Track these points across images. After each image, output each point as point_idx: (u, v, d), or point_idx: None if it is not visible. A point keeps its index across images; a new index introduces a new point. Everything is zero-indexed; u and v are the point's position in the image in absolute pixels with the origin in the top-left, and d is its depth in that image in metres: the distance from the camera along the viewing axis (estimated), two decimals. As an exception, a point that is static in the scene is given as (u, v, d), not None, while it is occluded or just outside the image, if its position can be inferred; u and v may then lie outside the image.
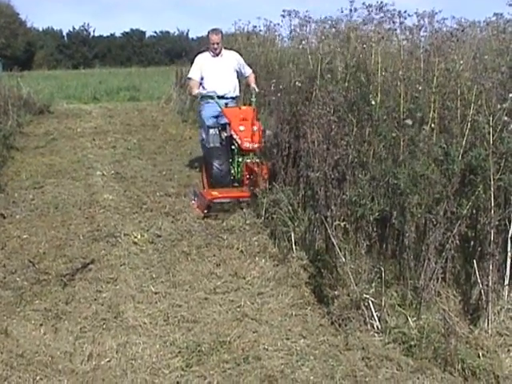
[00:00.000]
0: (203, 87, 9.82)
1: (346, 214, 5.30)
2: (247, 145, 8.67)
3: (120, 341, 4.80)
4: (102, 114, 18.23)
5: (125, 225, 7.58)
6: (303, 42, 12.11)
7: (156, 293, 5.68)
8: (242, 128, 8.84)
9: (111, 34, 57.21)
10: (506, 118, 4.64)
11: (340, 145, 5.37)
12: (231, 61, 10.06)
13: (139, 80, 27.49)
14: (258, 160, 8.41)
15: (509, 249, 4.79)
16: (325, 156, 5.42)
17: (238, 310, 5.32)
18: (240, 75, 10.17)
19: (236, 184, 8.86)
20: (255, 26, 13.71)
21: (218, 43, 9.87)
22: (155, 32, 58.60)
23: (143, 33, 58.05)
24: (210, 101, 9.61)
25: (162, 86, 23.57)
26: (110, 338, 4.85)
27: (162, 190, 9.30)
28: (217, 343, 4.72)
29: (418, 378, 4.27)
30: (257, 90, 9.72)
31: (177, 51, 53.08)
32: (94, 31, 55.36)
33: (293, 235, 6.25)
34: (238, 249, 6.67)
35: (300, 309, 5.28)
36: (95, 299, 5.57)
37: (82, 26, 54.87)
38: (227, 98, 9.81)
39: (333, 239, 5.10)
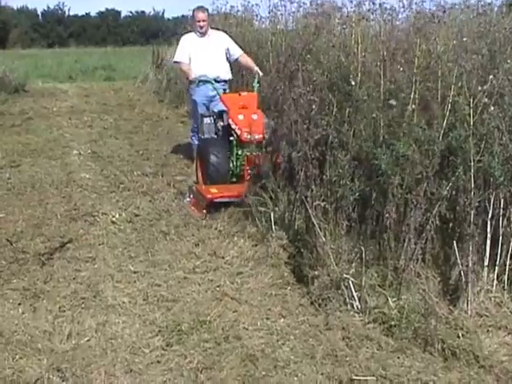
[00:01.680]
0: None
1: (326, 194, 5.29)
2: (247, 136, 7.70)
3: (99, 320, 4.77)
4: (78, 94, 18.09)
5: (102, 204, 7.53)
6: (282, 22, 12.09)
7: (135, 272, 5.66)
8: (240, 117, 7.95)
9: (86, 14, 57.03)
10: (486, 100, 4.65)
11: (320, 125, 5.36)
12: (220, 41, 9.44)
13: (115, 60, 27.29)
14: (259, 152, 7.42)
15: (488, 230, 4.82)
16: (305, 136, 5.39)
17: (218, 289, 5.30)
18: (229, 57, 9.44)
19: (234, 179, 7.97)
20: (233, 6, 13.58)
21: (204, 20, 9.29)
22: (130, 12, 58.60)
23: (118, 12, 57.96)
24: (203, 85, 8.99)
25: (137, 65, 23.34)
26: (89, 317, 4.83)
27: (139, 169, 9.24)
28: (197, 322, 4.70)
29: (399, 358, 4.29)
30: (260, 73, 8.99)
31: (152, 31, 52.95)
32: (69, 10, 55.03)
33: (272, 215, 6.23)
34: (216, 228, 6.63)
35: (279, 288, 5.28)
36: (74, 278, 5.53)
37: (57, 5, 54.63)
38: (219, 82, 9.11)
39: (313, 219, 5.10)
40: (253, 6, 13.77)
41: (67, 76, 22.53)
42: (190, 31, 9.71)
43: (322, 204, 5.14)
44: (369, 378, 4.08)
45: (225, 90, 9.11)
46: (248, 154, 7.63)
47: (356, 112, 5.48)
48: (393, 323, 4.57)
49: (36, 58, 28.77)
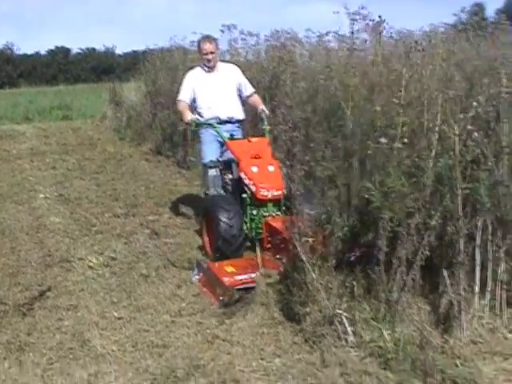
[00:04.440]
0: (199, 113, 7.86)
1: (315, 230, 5.25)
2: (264, 193, 6.64)
3: (90, 371, 4.65)
4: (37, 135, 17.90)
5: (77, 248, 7.41)
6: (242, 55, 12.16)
7: (120, 318, 5.55)
8: (254, 169, 6.81)
9: (36, 52, 56.55)
10: (469, 127, 4.67)
11: (304, 161, 5.33)
12: (230, 76, 8.07)
13: (70, 98, 27.08)
14: (279, 213, 6.58)
15: (477, 257, 4.83)
16: (289, 173, 5.36)
17: (208, 331, 5.21)
18: (240, 94, 8.08)
19: (249, 243, 6.81)
20: (193, 41, 13.56)
21: (212, 52, 7.85)
22: (81, 49, 58.24)
23: (68, 50, 57.66)
24: (210, 129, 7.66)
25: (94, 103, 23.28)
26: (79, 368, 4.70)
27: (109, 210, 9.14)
28: (191, 367, 4.60)
29: (400, 392, 4.26)
30: (267, 112, 7.64)
31: (103, 68, 52.99)
32: (18, 50, 54.64)
33: (258, 252, 6.17)
34: (198, 268, 6.56)
35: (271, 327, 5.19)
36: (58, 328, 5.39)
37: (5, 45, 54.13)
38: (233, 123, 7.88)
39: (302, 255, 5.05)
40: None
41: (23, 117, 22.27)
42: (196, 66, 8.26)
43: (310, 240, 5.09)
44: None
45: (233, 135, 7.64)
46: (266, 214, 6.66)
47: (347, 148, 5.48)
48: (390, 356, 4.52)
49: (-13, 100, 28.50)
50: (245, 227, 6.74)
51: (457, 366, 4.38)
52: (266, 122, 7.43)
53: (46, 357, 4.89)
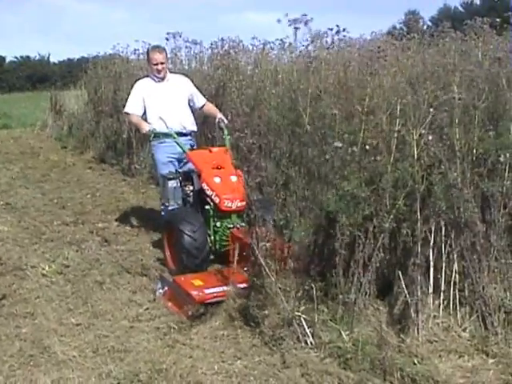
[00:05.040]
0: (148, 123, 7.61)
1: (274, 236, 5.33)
2: (228, 204, 6.51)
3: (54, 377, 4.65)
4: (-24, 144, 17.60)
5: (28, 257, 7.35)
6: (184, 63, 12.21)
7: (78, 324, 5.54)
8: (217, 180, 6.67)
9: (-31, 61, 55.61)
10: (422, 131, 4.81)
11: (261, 168, 5.42)
12: (181, 86, 7.95)
13: (7, 106, 26.69)
14: (243, 224, 6.22)
15: (431, 258, 4.99)
16: (246, 178, 5.44)
17: (167, 336, 5.26)
18: (192, 105, 7.98)
19: (212, 256, 6.70)
20: (136, 49, 13.54)
21: (162, 63, 7.69)
22: (15, 57, 57.37)
23: (3, 58, 56.71)
24: (166, 140, 7.45)
25: (32, 112, 22.98)
26: (41, 374, 4.69)
27: (57, 219, 9.11)
28: (153, 371, 4.64)
29: (361, 391, 4.37)
30: (226, 121, 7.58)
31: (39, 76, 52.34)
32: (-51, 58, 53.74)
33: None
34: (153, 274, 6.61)
35: (230, 331, 5.26)
36: (16, 335, 5.36)
37: None
38: (185, 135, 7.66)
39: (260, 260, 5.14)
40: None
41: (-40, 126, 21.88)
42: (145, 76, 8.14)
43: (268, 245, 5.17)
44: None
45: (192, 145, 7.68)
46: (230, 226, 6.55)
47: (304, 154, 5.58)
48: (349, 356, 4.65)
49: None
50: (208, 240, 6.60)
51: (414, 364, 4.53)
52: (226, 132, 7.34)
53: (7, 364, 4.86)
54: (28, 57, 57.98)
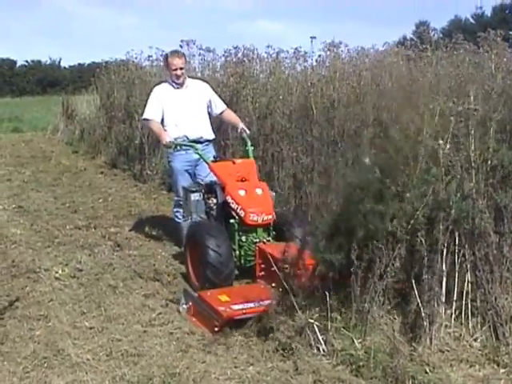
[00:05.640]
0: (165, 131, 7.51)
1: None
2: (254, 218, 6.31)
3: (68, 379, 4.68)
4: (-12, 147, 17.71)
5: (41, 260, 7.40)
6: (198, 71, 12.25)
7: (91, 328, 5.58)
8: (242, 193, 6.45)
9: (-20, 64, 55.95)
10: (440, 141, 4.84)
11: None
12: (201, 93, 7.80)
13: (19, 110, 26.84)
14: (269, 239, 6.35)
15: (444, 267, 5.01)
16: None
17: (181, 341, 5.29)
18: (211, 111, 7.85)
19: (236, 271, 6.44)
20: (150, 56, 13.60)
21: (181, 68, 7.56)
22: (26, 61, 57.76)
23: (14, 62, 57.10)
24: (185, 150, 7.36)
25: (44, 116, 23.10)
26: (55, 376, 4.72)
27: (70, 223, 9.16)
28: (167, 376, 4.67)
29: (374, 398, 4.40)
30: (248, 132, 7.47)
31: (49, 80, 52.64)
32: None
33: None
34: (165, 279, 6.66)
35: (243, 337, 5.30)
36: (30, 338, 5.39)
37: (-50, 56, 53.42)
38: (202, 143, 7.50)
39: (275, 267, 5.16)
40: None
41: (-27, 129, 22.02)
42: (163, 82, 8.02)
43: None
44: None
45: (216, 157, 7.42)
46: (256, 240, 6.37)
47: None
48: (361, 364, 4.67)
49: None
50: (233, 255, 6.38)
51: (426, 372, 4.54)
52: (249, 142, 7.20)
53: (21, 366, 4.89)
54: (39, 61, 58.32)
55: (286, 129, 8.86)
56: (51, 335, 5.44)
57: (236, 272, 6.40)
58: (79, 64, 57.32)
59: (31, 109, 28.08)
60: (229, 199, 6.48)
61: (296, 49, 10.03)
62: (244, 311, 5.33)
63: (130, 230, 8.83)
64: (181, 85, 7.66)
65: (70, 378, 4.71)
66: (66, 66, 59.34)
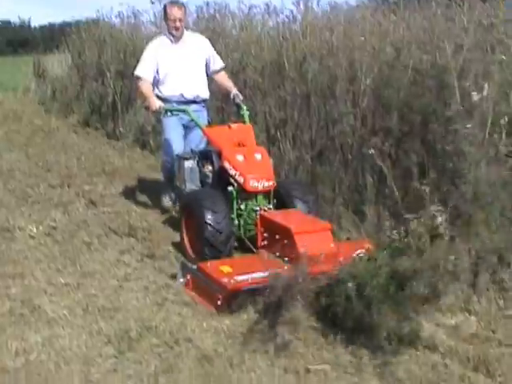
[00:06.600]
0: (159, 89, 7.22)
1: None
2: (254, 184, 5.96)
3: (44, 335, 4.69)
4: (-41, 108, 17.45)
5: (15, 218, 7.37)
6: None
7: (67, 284, 5.59)
8: (240, 158, 6.10)
9: (-51, 25, 55.02)
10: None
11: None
12: (199, 48, 7.40)
13: (-11, 71, 26.47)
14: (270, 207, 6.01)
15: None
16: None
17: (156, 294, 5.34)
18: (207, 69, 7.44)
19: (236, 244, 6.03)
20: (120, 12, 13.47)
21: (180, 20, 7.13)
22: (-5, 21, 56.74)
23: (-17, 22, 56.12)
24: (179, 114, 7.04)
25: (14, 76, 22.75)
26: (32, 332, 4.73)
27: (43, 182, 9.11)
28: (143, 329, 4.71)
29: (347, 347, 4.46)
30: (241, 97, 7.10)
31: (19, 40, 51.80)
32: None
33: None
34: (140, 235, 6.72)
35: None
36: (6, 295, 5.37)
37: None
38: (198, 103, 7.28)
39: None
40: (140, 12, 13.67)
41: None
42: (160, 34, 7.71)
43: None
44: (324, 366, 4.24)
45: (209, 121, 7.36)
46: (256, 208, 5.98)
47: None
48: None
49: None
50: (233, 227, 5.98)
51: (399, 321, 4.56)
52: (244, 108, 6.82)
53: (-3, 323, 4.92)
54: (8, 21, 57.42)
55: (259, 84, 8.86)
56: (27, 292, 5.45)
57: (235, 244, 6.04)
58: (50, 24, 56.50)
59: (1, 69, 27.63)
60: (226, 165, 6.12)
61: (267, 4, 10.01)
62: (250, 281, 4.86)
63: (104, 188, 8.80)
64: (179, 38, 7.25)
65: (46, 333, 4.72)
66: (37, 26, 58.49)
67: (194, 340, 4.58)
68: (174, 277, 5.61)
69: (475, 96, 5.22)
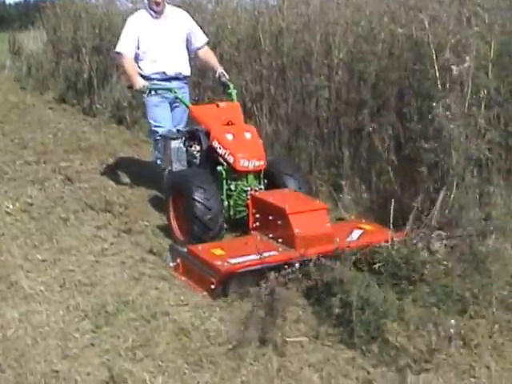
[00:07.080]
0: (139, 66, 6.89)
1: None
2: (244, 163, 5.75)
3: (21, 310, 4.68)
4: None
5: (-9, 196, 7.35)
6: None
7: (43, 260, 5.58)
8: (229, 137, 5.90)
9: None
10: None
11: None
12: (180, 23, 7.08)
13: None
14: (261, 187, 5.84)
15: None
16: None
17: (133, 269, 5.34)
18: (189, 45, 7.15)
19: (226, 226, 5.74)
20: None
21: None
22: (-31, -1, 56.10)
23: (-45, -2, 55.45)
24: (164, 94, 6.74)
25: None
26: (9, 308, 4.72)
27: (19, 158, 9.03)
28: (120, 303, 4.72)
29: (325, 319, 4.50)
30: (227, 76, 6.86)
31: (-8, 18, 51.19)
32: None
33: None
34: (116, 210, 6.72)
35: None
36: (-18, 272, 5.40)
37: None
38: (180, 80, 7.03)
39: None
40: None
41: None
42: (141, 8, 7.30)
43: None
44: (302, 338, 4.27)
45: (189, 93, 7.25)
46: (246, 189, 5.79)
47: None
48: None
49: None
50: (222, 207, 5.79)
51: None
52: (231, 86, 6.62)
53: (-27, 302, 4.90)
54: (-17, -1, 56.80)
55: (235, 58, 8.83)
56: (4, 269, 5.42)
57: (225, 226, 5.76)
58: (25, 0, 55.92)
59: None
60: (215, 144, 5.92)
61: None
62: (245, 264, 4.68)
63: (81, 164, 8.76)
64: (160, 13, 6.93)
65: (23, 308, 4.72)
66: (12, 3, 57.89)
67: (171, 314, 4.59)
68: (150, 251, 5.65)
69: (455, 69, 5.21)
